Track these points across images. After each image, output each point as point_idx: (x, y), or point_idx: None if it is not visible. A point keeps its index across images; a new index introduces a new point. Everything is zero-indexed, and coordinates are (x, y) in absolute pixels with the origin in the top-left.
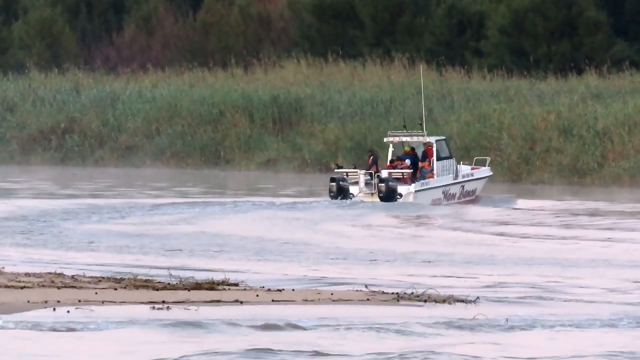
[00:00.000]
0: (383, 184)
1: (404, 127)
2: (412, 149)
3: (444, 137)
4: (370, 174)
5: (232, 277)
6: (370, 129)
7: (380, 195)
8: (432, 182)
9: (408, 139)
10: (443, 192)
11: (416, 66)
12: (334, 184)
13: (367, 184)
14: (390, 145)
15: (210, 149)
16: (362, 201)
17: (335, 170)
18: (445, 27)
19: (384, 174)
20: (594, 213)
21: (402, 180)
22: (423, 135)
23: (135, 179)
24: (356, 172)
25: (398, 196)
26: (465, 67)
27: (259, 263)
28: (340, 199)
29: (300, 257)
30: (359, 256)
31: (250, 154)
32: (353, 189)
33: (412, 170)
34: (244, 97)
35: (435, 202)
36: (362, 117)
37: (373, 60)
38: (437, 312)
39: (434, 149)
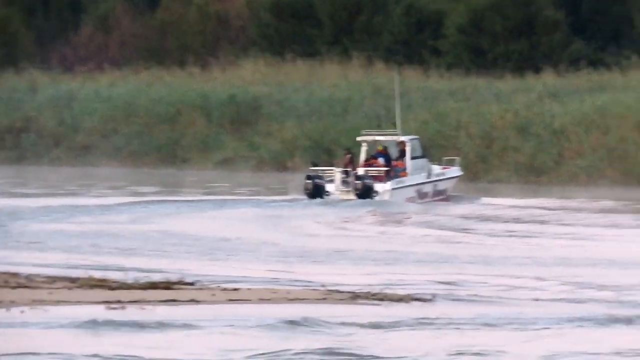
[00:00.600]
0: (359, 182)
1: (378, 126)
2: (385, 147)
3: (417, 137)
4: (347, 172)
5: (189, 277)
6: (328, 128)
7: (357, 192)
8: (407, 180)
9: (382, 137)
10: (417, 191)
11: (374, 65)
12: (309, 181)
13: (343, 181)
14: (364, 144)
15: (167, 148)
16: (339, 199)
17: (311, 168)
18: (404, 26)
19: (360, 171)
20: (557, 211)
21: (377, 179)
22: (397, 134)
23: (91, 179)
24: (332, 170)
25: (374, 194)
26: (424, 65)
27: (216, 262)
28: (312, 198)
29: (258, 256)
30: (318, 255)
31: (207, 153)
32: (329, 187)
33: (388, 169)
34: (202, 96)
35: (410, 201)
36: (319, 116)
37: (331, 59)
38: (393, 311)
39: (408, 148)
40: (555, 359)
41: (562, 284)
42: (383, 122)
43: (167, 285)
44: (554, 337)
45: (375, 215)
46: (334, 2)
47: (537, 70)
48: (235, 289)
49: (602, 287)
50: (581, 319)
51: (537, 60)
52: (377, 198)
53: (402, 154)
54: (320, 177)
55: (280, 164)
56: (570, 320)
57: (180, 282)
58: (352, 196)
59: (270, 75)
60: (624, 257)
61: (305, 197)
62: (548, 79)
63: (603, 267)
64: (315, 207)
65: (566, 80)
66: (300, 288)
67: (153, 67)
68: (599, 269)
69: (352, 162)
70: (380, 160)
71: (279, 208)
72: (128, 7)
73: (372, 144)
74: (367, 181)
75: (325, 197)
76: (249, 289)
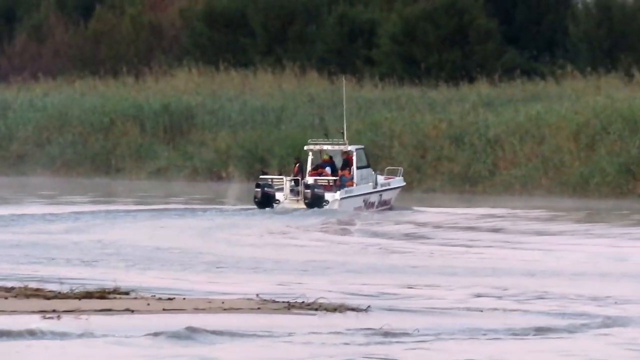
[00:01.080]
0: (309, 191)
1: (325, 135)
2: (330, 157)
3: (362, 146)
4: (296, 181)
5: (124, 286)
6: (262, 137)
7: (307, 201)
8: (355, 190)
9: (329, 147)
10: (364, 201)
11: (307, 74)
12: (259, 190)
13: (292, 190)
14: (310, 153)
15: (101, 158)
16: (289, 208)
17: (261, 177)
18: (337, 35)
19: (310, 180)
20: (496, 220)
21: (326, 188)
22: (344, 144)
23: (25, 188)
24: (281, 178)
25: (324, 203)
26: (357, 75)
27: (152, 272)
28: (262, 206)
29: (193, 266)
30: (254, 264)
31: (141, 163)
32: (278, 196)
33: (337, 178)
34: (135, 105)
35: (357, 210)
36: (253, 126)
37: (264, 68)
38: (326, 321)
39: (354, 158)
40: None
41: (494, 294)
42: (329, 132)
43: (102, 295)
44: (478, 347)
45: (322, 224)
46: (267, 11)
47: (471, 79)
48: (170, 299)
49: (535, 297)
50: (509, 330)
51: (470, 69)
52: (326, 207)
53: (347, 163)
54: (269, 186)
55: (214, 173)
56: (498, 330)
57: (116, 292)
58: (302, 205)
59: (203, 84)
60: (558, 266)
61: (254, 205)
62: (482, 88)
63: (538, 277)
64: (262, 216)
65: (500, 89)
66: (235, 298)
67: (87, 77)
68: (531, 278)
69: (302, 171)
70: (327, 170)
71: (223, 217)
72: (61, 17)
73: (318, 153)
74: (317, 190)
75: (275, 205)
76: (184, 298)
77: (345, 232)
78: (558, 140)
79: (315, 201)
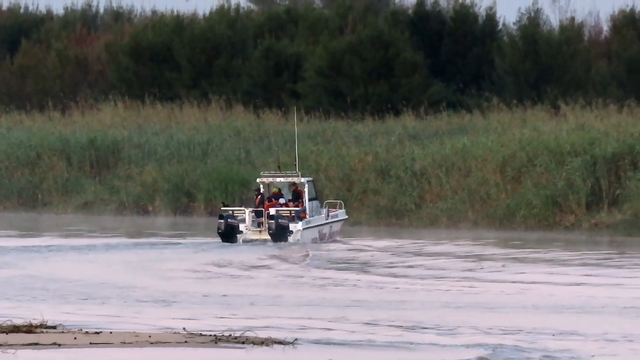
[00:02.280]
0: (273, 221)
1: (279, 167)
2: (280, 190)
3: (311, 179)
4: (257, 212)
5: (51, 320)
6: (188, 171)
7: (271, 232)
8: (312, 221)
9: (282, 179)
10: (319, 232)
11: (233, 108)
12: (222, 221)
13: (253, 221)
14: (261, 185)
15: (28, 192)
16: (252, 239)
17: (222, 208)
18: (262, 68)
19: (272, 211)
20: (430, 253)
21: (287, 219)
22: (297, 176)
23: None
24: (242, 210)
25: (289, 234)
26: (283, 108)
27: (78, 306)
28: (225, 238)
29: (121, 300)
30: (183, 298)
31: (67, 197)
32: (241, 227)
33: (300, 209)
34: (61, 140)
35: (313, 241)
36: (179, 159)
37: (190, 102)
38: (254, 355)
39: (305, 190)
40: None
41: (418, 327)
42: (281, 164)
43: (30, 329)
44: None
45: (257, 257)
46: (193, 45)
47: (396, 112)
48: (97, 333)
49: (467, 330)
50: None
51: (396, 102)
52: (290, 238)
53: (297, 195)
54: (232, 217)
55: (140, 207)
56: None
57: (42, 326)
58: (264, 236)
59: (129, 118)
60: (475, 300)
61: (217, 237)
62: (408, 121)
63: (471, 310)
64: (195, 249)
65: (426, 122)
66: (162, 331)
67: (13, 112)
68: (464, 311)
69: (263, 202)
70: (281, 201)
71: (153, 250)
72: None
73: (267, 186)
74: (281, 221)
75: (238, 237)
76: (110, 332)
77: (281, 264)
78: (484, 173)
79: (279, 232)
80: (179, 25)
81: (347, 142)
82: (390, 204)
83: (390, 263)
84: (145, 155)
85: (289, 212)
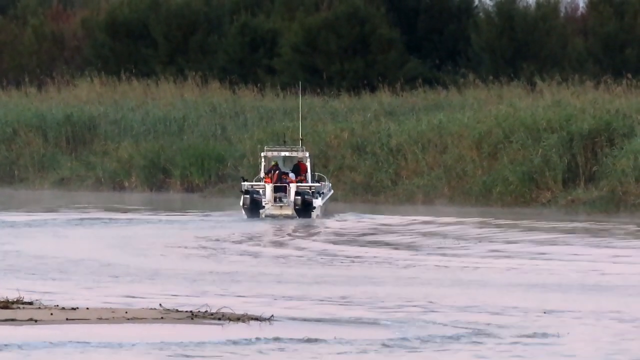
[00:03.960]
0: (300, 197)
1: (284, 142)
2: (277, 163)
3: (309, 153)
4: (276, 187)
5: (28, 296)
6: (164, 147)
7: (297, 208)
8: (324, 195)
9: (287, 153)
10: (325, 207)
11: (209, 84)
12: (247, 196)
13: (276, 197)
14: (263, 159)
15: (4, 168)
16: (275, 214)
17: (244, 183)
18: (238, 45)
19: (293, 187)
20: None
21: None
22: (303, 150)
23: None
24: (263, 185)
25: (312, 209)
26: (258, 85)
27: (56, 282)
28: (251, 213)
29: (100, 276)
30: (163, 274)
31: (44, 173)
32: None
33: (318, 184)
34: (38, 116)
35: (320, 216)
36: (155, 136)
37: (166, 78)
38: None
39: (308, 164)
40: None
41: (394, 305)
42: (287, 137)
43: (6, 305)
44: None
45: (244, 234)
46: (169, 22)
47: (372, 89)
48: (74, 309)
49: (438, 308)
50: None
51: (372, 79)
52: (313, 214)
53: (298, 169)
54: (257, 192)
55: (117, 183)
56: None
57: (19, 302)
58: (285, 211)
59: (105, 94)
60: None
61: (243, 212)
62: (384, 97)
63: (441, 287)
64: (185, 226)
65: (402, 99)
66: (138, 307)
67: None
68: (439, 289)
69: (281, 178)
70: (291, 176)
71: (140, 227)
72: None
73: (270, 160)
74: (307, 197)
75: (261, 212)
76: (87, 308)
77: (265, 242)
78: (460, 150)
79: (305, 208)
80: (155, 1)
81: (323, 118)
82: (367, 180)
83: (382, 240)
84: (121, 131)
85: (308, 187)
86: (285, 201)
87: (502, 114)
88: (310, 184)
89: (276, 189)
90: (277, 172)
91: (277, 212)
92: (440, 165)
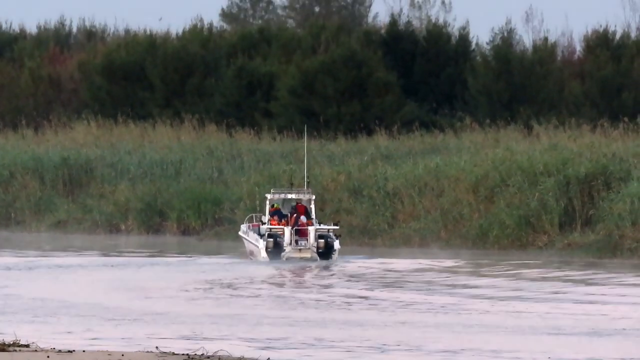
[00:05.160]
0: (323, 240)
1: (291, 184)
2: (279, 206)
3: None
4: (296, 231)
5: (24, 339)
6: (160, 190)
7: (320, 251)
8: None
9: (294, 195)
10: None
11: (206, 127)
12: (271, 239)
13: (296, 241)
14: (268, 202)
15: (1, 211)
16: (295, 257)
17: (263, 226)
18: (235, 88)
19: (312, 230)
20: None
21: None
22: (310, 192)
23: None
24: (282, 228)
25: (333, 252)
26: (255, 128)
27: (52, 325)
28: (273, 256)
29: (96, 319)
30: (160, 316)
31: (40, 216)
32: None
33: (337, 227)
34: (34, 158)
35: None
36: (152, 179)
37: (163, 121)
38: None
39: (312, 206)
40: None
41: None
42: (294, 180)
43: (2, 347)
44: None
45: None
46: (166, 65)
47: (369, 132)
48: (70, 351)
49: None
50: None
51: (369, 122)
52: (333, 256)
53: (295, 211)
54: (280, 236)
55: (113, 226)
56: None
57: (15, 344)
58: (305, 254)
59: (102, 137)
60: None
61: (265, 255)
62: (381, 141)
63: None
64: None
65: (399, 142)
66: (135, 351)
67: None
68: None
69: (297, 222)
70: (303, 219)
71: (132, 270)
72: None
73: (279, 202)
74: (330, 240)
75: (282, 255)
76: (83, 351)
77: (263, 283)
78: (457, 193)
79: (327, 250)
80: (151, 44)
81: (319, 161)
82: (363, 223)
83: (382, 283)
84: (118, 174)
85: (327, 230)
86: (302, 244)
87: (498, 157)
88: (328, 227)
89: (295, 233)
90: (294, 215)
91: (297, 255)
92: (436, 209)
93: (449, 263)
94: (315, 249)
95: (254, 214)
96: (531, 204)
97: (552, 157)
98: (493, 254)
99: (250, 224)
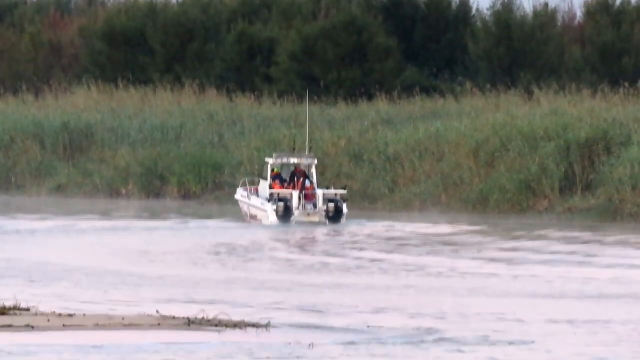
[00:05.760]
0: (333, 204)
1: (294, 149)
2: (279, 171)
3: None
4: (306, 195)
5: (24, 302)
6: (161, 154)
7: (330, 215)
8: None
9: (296, 160)
10: None
11: (206, 92)
12: (282, 203)
13: (304, 205)
14: (269, 166)
15: (1, 175)
16: (304, 221)
17: (271, 190)
18: (235, 53)
19: (320, 193)
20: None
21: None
22: (312, 157)
23: None
24: (290, 192)
25: (342, 216)
26: (256, 92)
27: (52, 288)
28: (282, 219)
29: (97, 282)
30: (160, 280)
31: (41, 180)
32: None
33: (344, 191)
34: (35, 123)
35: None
36: (152, 143)
37: (163, 86)
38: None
39: (313, 171)
40: None
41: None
42: (296, 145)
43: (3, 311)
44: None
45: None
46: (166, 30)
47: (369, 97)
48: (70, 315)
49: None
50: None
51: (369, 87)
52: (342, 220)
53: (293, 176)
54: (290, 200)
55: (113, 190)
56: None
57: (16, 308)
58: (313, 218)
59: (102, 102)
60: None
61: (275, 219)
62: (381, 105)
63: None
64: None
65: (399, 107)
66: (135, 314)
67: None
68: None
69: (304, 186)
70: (307, 183)
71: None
72: None
73: (278, 167)
74: (339, 204)
75: (291, 218)
76: (84, 314)
77: (264, 248)
78: (457, 157)
79: (337, 214)
80: (152, 9)
81: (320, 126)
82: (364, 188)
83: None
84: (118, 139)
85: (334, 194)
86: (309, 208)
87: (499, 122)
88: (335, 190)
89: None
90: (300, 180)
91: (305, 219)
92: (437, 173)
93: (451, 228)
94: (324, 213)
95: (246, 178)
96: (531, 169)
97: (552, 122)
98: (493, 218)
99: (251, 188)
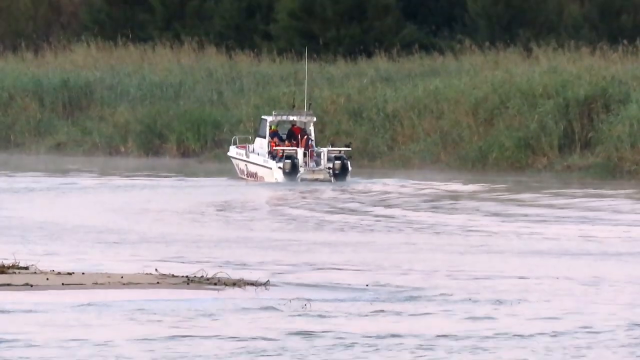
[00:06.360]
0: (339, 162)
1: (293, 106)
2: (277, 129)
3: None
4: (305, 153)
5: (23, 261)
6: (160, 112)
7: (336, 172)
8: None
9: (296, 118)
10: None
11: (205, 50)
12: (289, 161)
13: (309, 162)
14: (268, 123)
15: (0, 133)
16: (310, 178)
17: (275, 148)
18: (235, 10)
19: (324, 151)
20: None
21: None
22: (311, 114)
23: None
24: (295, 150)
25: (348, 173)
26: (255, 50)
27: (51, 247)
28: (288, 176)
29: (96, 241)
30: (160, 239)
31: (40, 138)
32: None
33: (350, 148)
34: (34, 81)
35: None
36: (152, 101)
37: (163, 43)
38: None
39: (312, 128)
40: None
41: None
42: (295, 102)
43: (1, 270)
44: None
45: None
46: None
47: (369, 55)
48: (70, 274)
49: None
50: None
51: (369, 44)
52: (348, 177)
53: (290, 134)
54: (296, 157)
55: (113, 148)
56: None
57: (15, 267)
58: (318, 175)
59: (102, 60)
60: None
61: (281, 177)
62: (380, 63)
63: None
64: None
65: (398, 64)
66: (134, 272)
67: None
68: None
69: (308, 143)
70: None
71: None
72: None
73: (281, 124)
74: (346, 161)
75: (297, 176)
76: (83, 273)
77: (263, 207)
78: (457, 115)
79: (343, 172)
80: None
81: (319, 84)
82: (363, 145)
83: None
84: (117, 97)
85: (338, 151)
86: (312, 165)
87: (498, 79)
88: (339, 148)
89: (304, 154)
90: (304, 137)
91: (311, 176)
92: (436, 131)
93: (452, 186)
94: (329, 171)
95: (236, 136)
96: (530, 126)
97: (551, 80)
98: (492, 176)
99: (249, 145)
